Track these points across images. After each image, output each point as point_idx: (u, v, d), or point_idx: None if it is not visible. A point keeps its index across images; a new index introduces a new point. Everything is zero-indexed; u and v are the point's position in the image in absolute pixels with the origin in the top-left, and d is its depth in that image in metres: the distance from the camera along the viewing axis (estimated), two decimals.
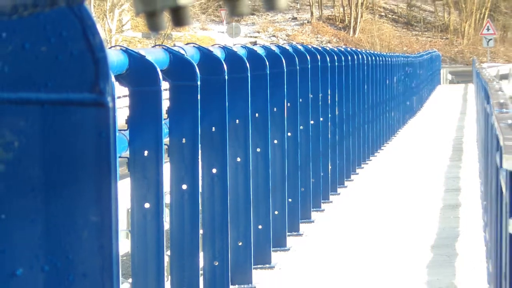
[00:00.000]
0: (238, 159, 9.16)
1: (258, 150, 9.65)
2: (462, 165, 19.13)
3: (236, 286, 8.64)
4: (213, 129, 8.21)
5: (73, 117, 2.50)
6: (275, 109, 10.16)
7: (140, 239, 6.99)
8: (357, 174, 15.58)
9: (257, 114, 9.70)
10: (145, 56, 6.72)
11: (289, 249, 10.01)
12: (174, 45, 8.68)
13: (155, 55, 7.23)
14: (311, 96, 12.36)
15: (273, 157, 10.13)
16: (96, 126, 2.49)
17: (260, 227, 9.29)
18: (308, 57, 10.89)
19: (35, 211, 2.53)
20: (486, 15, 58.88)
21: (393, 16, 67.01)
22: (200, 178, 7.47)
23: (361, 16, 62.77)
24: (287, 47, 11.63)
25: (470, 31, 61.13)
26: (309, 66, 10.75)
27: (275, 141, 10.09)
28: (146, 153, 6.89)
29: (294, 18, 63.09)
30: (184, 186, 7.41)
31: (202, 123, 7.86)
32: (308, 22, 63.74)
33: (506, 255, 5.40)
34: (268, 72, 9.32)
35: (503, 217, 5.58)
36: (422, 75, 35.04)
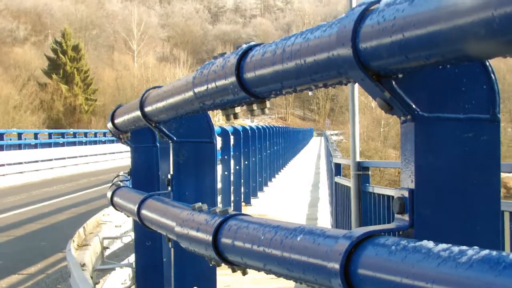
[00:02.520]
0: (245, 162, 11.02)
1: (237, 167, 10.71)
2: (320, 161, 24.74)
3: (244, 204, 10.76)
4: (236, 153, 10.11)
5: (201, 147, 2.63)
6: (246, 150, 11.00)
7: (223, 184, 8.78)
8: (274, 180, 16.52)
9: (246, 149, 10.97)
10: (226, 129, 8.88)
11: (259, 196, 12.36)
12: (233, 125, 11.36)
13: (228, 128, 9.38)
14: (262, 144, 14.42)
15: (240, 173, 10.96)
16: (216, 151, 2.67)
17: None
18: (250, 132, 11.47)
19: (183, 183, 2.61)
20: (327, 115, 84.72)
21: (298, 117, 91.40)
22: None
23: (289, 116, 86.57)
24: (255, 126, 13.28)
25: (322, 123, 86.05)
26: (249, 134, 11.39)
27: (246, 162, 11.01)
28: (225, 158, 8.73)
29: (270, 117, 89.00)
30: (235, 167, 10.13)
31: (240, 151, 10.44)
32: (274, 118, 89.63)
33: (332, 188, 7.95)
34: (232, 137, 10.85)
35: (332, 175, 7.97)
36: (307, 134, 51.36)
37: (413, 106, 1.16)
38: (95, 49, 70.97)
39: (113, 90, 59.51)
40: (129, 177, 3.90)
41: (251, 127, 12.41)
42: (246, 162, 11.07)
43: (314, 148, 41.48)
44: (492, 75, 1.23)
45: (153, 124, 2.68)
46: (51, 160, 24.98)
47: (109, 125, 3.69)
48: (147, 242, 3.81)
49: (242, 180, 10.60)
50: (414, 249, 0.95)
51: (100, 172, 24.69)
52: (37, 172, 23.17)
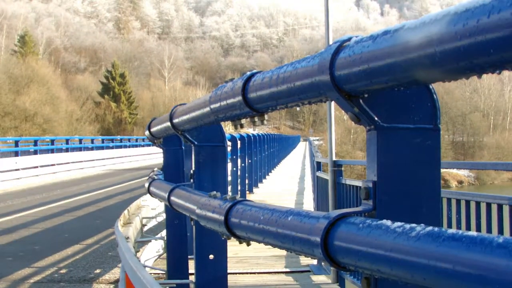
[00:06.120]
0: (249, 161, 10.38)
1: (243, 164, 10.32)
2: (306, 160, 21.88)
3: (248, 192, 10.10)
4: (242, 154, 9.59)
5: (215, 150, 2.57)
6: (249, 151, 10.53)
7: (232, 177, 8.28)
8: (270, 174, 15.85)
9: (249, 151, 10.54)
10: (234, 136, 8.49)
11: (259, 187, 11.49)
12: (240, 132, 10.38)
13: (236, 135, 8.95)
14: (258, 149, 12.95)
15: (245, 169, 10.48)
16: (222, 154, 2.60)
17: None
18: (252, 138, 11.06)
19: (202, 177, 2.54)
20: (310, 126, 71.51)
21: (289, 127, 79.61)
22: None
23: (282, 126, 74.69)
24: (253, 133, 12.28)
25: (306, 131, 73.81)
26: (252, 139, 10.92)
27: (249, 161, 10.47)
28: (234, 157, 8.35)
29: (267, 126, 78.32)
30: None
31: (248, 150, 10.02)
32: (270, 128, 78.56)
33: (315, 181, 7.32)
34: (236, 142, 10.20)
35: (314, 171, 7.41)
36: (296, 140, 47.49)
37: (376, 118, 1.15)
38: (136, 76, 70.97)
39: (150, 107, 59.50)
40: (161, 172, 3.86)
41: (253, 134, 12.32)
42: (249, 161, 10.94)
43: (300, 150, 40.52)
44: (434, 95, 1.22)
45: (179, 132, 2.63)
46: (103, 159, 25.10)
47: (147, 133, 3.63)
48: (175, 220, 3.77)
49: (246, 174, 10.51)
50: (376, 226, 0.95)
51: (140, 168, 24.60)
52: (93, 168, 23.18)
